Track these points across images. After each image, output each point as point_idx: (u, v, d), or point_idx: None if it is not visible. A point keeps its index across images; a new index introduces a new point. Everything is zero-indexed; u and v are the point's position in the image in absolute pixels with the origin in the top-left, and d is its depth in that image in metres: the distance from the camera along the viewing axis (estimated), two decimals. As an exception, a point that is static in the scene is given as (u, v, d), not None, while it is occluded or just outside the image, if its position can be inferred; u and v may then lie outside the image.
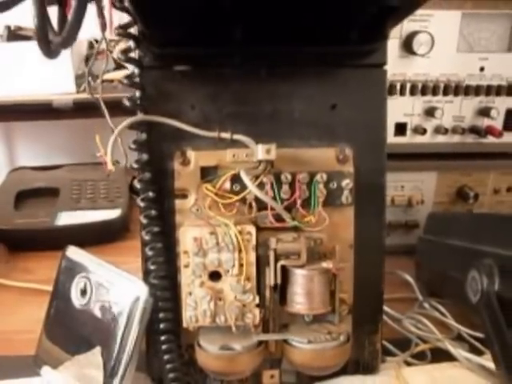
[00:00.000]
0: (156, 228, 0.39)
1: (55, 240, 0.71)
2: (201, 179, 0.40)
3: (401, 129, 0.65)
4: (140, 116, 0.38)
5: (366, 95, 0.41)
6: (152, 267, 0.39)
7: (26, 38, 1.17)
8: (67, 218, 0.73)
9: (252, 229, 0.36)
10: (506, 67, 0.65)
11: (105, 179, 0.84)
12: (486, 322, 0.37)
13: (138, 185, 0.39)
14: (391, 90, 0.63)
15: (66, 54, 1.07)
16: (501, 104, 0.66)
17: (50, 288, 0.51)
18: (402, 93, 0.63)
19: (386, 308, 0.57)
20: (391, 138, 0.65)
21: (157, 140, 0.40)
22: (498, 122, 0.67)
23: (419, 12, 0.60)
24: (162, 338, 0.38)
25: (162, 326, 0.38)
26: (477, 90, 0.65)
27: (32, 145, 1.65)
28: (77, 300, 0.41)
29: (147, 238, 0.39)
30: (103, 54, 0.97)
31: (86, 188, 0.82)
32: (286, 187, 0.40)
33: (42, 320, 0.44)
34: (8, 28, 1.19)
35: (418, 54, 0.60)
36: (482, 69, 0.64)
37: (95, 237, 0.73)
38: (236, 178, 0.39)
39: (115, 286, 0.39)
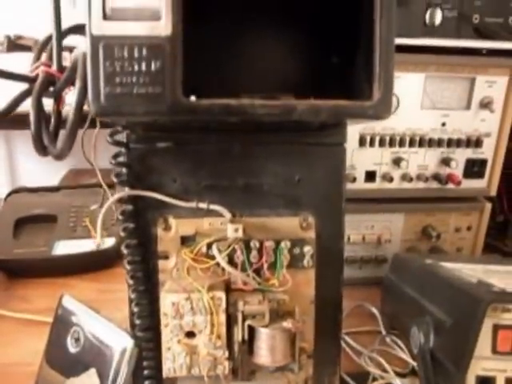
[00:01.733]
0: (141, 287, 0.45)
1: (53, 269, 0.77)
2: (181, 244, 0.46)
3: (370, 176, 0.71)
4: (127, 191, 0.44)
5: (327, 170, 0.47)
6: (137, 321, 0.45)
7: (26, 47, 1.22)
8: (64, 248, 0.78)
9: (222, 295, 0.42)
10: (464, 123, 0.71)
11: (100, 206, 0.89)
12: (421, 372, 0.43)
13: (124, 250, 0.45)
14: (362, 142, 0.69)
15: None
16: (460, 155, 0.72)
17: (47, 319, 0.57)
18: (372, 144, 0.69)
19: (349, 341, 0.63)
20: (362, 184, 0.71)
21: (142, 209, 0.45)
22: (458, 170, 0.73)
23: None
24: (146, 382, 0.44)
25: (145, 372, 0.45)
26: (439, 143, 0.71)
27: (32, 152, 1.68)
28: (71, 346, 0.47)
29: (133, 295, 0.45)
30: None
31: (82, 215, 0.87)
32: (254, 252, 0.46)
33: (39, 352, 0.49)
34: (8, 38, 1.23)
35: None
36: (443, 124, 0.71)
37: (90, 265, 0.79)
38: (211, 244, 0.45)
39: (105, 337, 0.45)
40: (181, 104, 0.31)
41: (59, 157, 0.32)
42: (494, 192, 0.76)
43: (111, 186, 0.47)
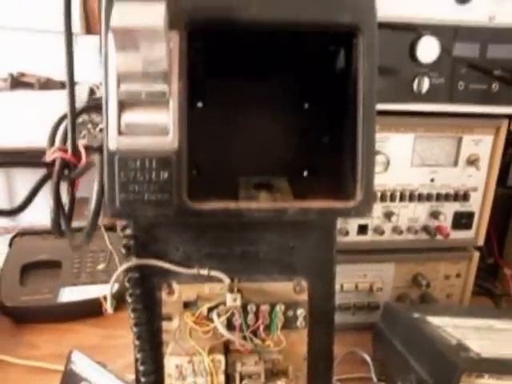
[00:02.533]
0: (147, 347, 0.49)
1: (58, 315, 0.81)
2: (183, 308, 0.50)
3: (363, 229, 0.75)
4: (134, 261, 0.48)
5: (319, 237, 0.51)
6: (143, 379, 0.48)
7: (29, 84, 1.26)
8: (69, 294, 0.82)
9: (222, 357, 0.46)
10: (452, 178, 0.75)
11: (104, 250, 0.92)
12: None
13: (131, 313, 0.48)
14: (353, 198, 0.73)
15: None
16: (449, 208, 0.76)
17: (54, 366, 0.60)
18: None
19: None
20: (354, 237, 0.75)
21: (147, 275, 0.49)
22: (447, 222, 0.77)
23: (377, 135, 0.70)
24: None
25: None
26: (428, 197, 0.75)
27: (31, 184, 1.72)
28: (80, 400, 0.51)
29: (139, 355, 0.48)
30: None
31: (86, 261, 0.91)
32: (251, 315, 0.49)
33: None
34: (11, 75, 1.28)
35: (376, 172, 0.70)
36: (432, 180, 0.75)
37: (94, 311, 0.82)
38: (212, 308, 0.49)
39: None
40: (186, 209, 0.35)
41: (77, 248, 0.37)
42: (481, 242, 0.80)
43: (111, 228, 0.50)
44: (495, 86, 0.69)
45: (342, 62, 0.40)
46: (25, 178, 1.68)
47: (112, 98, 0.33)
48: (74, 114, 0.43)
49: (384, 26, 0.62)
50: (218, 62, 0.44)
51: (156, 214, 0.36)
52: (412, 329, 0.58)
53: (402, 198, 0.74)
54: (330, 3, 0.35)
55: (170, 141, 0.34)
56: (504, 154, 0.79)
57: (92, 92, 1.13)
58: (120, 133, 0.33)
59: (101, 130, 1.08)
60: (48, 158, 0.43)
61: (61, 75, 1.24)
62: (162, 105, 0.33)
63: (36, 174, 1.41)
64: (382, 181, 0.73)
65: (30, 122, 1.16)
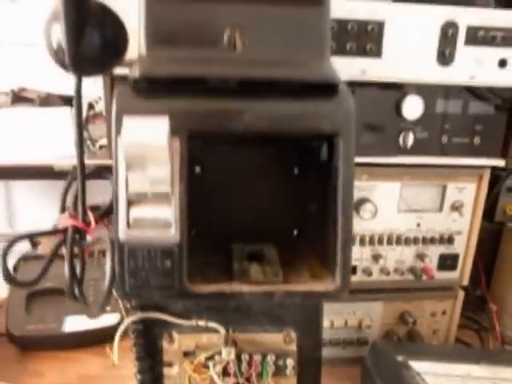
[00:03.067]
0: (149, 393, 0.53)
1: (63, 344, 0.85)
2: (183, 356, 0.54)
3: (352, 270, 0.79)
4: (139, 314, 0.52)
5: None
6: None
7: (29, 100, 1.30)
8: (73, 323, 0.86)
9: (217, 405, 0.50)
10: (437, 223, 0.80)
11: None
12: None
13: (135, 361, 0.53)
14: (343, 241, 0.78)
15: (66, 118, 1.20)
16: (434, 251, 0.81)
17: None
18: (353, 243, 0.78)
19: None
20: (343, 277, 0.79)
21: (150, 326, 0.54)
22: (432, 264, 0.82)
23: (365, 184, 0.75)
24: None
25: None
26: (414, 241, 0.80)
27: (30, 196, 1.78)
28: None
29: (141, 401, 0.53)
30: (101, 119, 1.11)
31: (89, 289, 0.95)
32: (244, 364, 0.54)
33: None
34: (12, 92, 1.32)
35: (365, 219, 0.75)
36: (418, 224, 0.79)
37: (97, 340, 0.87)
38: (209, 357, 0.53)
39: None
40: (187, 292, 0.40)
41: (93, 316, 0.41)
42: (466, 282, 0.84)
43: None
44: (477, 140, 0.74)
45: (325, 154, 0.45)
46: (23, 190, 1.73)
47: (122, 197, 0.37)
48: (84, 183, 0.48)
49: (372, 85, 0.67)
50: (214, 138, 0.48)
51: (160, 296, 0.40)
52: (394, 373, 0.62)
53: (389, 242, 0.79)
54: (313, 114, 0.39)
55: (172, 234, 0.39)
56: (492, 190, 0.84)
57: (91, 106, 1.13)
58: (129, 226, 0.38)
59: (100, 147, 1.14)
60: (60, 224, 0.47)
61: (60, 89, 1.29)
62: (166, 203, 0.38)
63: (32, 187, 1.45)
64: (371, 226, 0.77)
65: (31, 137, 1.18)
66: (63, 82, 1.25)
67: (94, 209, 0.51)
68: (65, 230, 0.47)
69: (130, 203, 0.38)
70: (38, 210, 1.77)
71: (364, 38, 0.65)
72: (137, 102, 0.38)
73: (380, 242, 0.79)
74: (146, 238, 0.39)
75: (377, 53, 0.66)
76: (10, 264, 1.08)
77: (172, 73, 0.37)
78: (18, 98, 1.28)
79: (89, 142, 1.19)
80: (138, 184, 0.36)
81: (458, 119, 0.73)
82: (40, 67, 1.31)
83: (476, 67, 0.70)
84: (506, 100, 0.73)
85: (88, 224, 0.48)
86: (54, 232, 0.46)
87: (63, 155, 1.18)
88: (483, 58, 0.69)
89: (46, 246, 1.28)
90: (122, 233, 0.38)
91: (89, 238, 0.47)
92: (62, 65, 0.43)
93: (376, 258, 0.79)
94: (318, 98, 0.39)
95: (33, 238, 0.71)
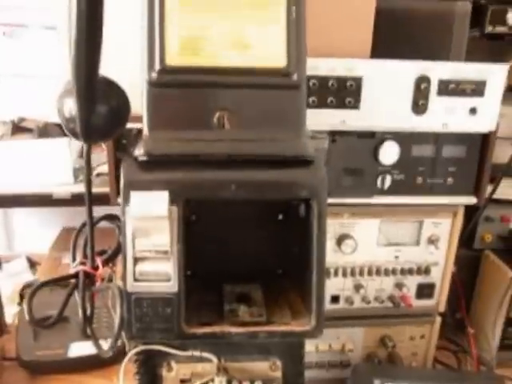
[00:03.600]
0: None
1: (69, 368, 0.92)
2: (180, 383, 0.61)
3: (335, 299, 0.86)
4: (142, 347, 0.59)
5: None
6: None
7: (28, 130, 1.34)
8: (78, 349, 0.93)
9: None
10: (415, 255, 0.87)
11: (106, 307, 1.03)
12: None
13: (136, 386, 0.60)
14: (327, 273, 0.85)
15: (64, 148, 1.27)
16: (412, 281, 0.88)
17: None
18: (336, 274, 0.85)
19: None
20: (328, 305, 0.86)
21: (151, 356, 0.61)
22: (410, 293, 0.89)
23: (346, 221, 0.82)
24: None
25: None
26: (393, 271, 0.87)
27: (27, 216, 1.86)
28: None
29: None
30: (98, 148, 1.18)
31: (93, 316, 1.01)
32: (235, 389, 0.61)
33: None
34: (12, 122, 1.39)
35: (346, 253, 0.82)
36: (396, 257, 0.86)
37: (99, 363, 0.94)
38: (204, 383, 0.60)
39: None
40: (184, 333, 0.47)
41: (105, 355, 0.48)
42: (442, 309, 0.91)
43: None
44: (450, 180, 0.81)
45: (303, 211, 0.52)
46: (21, 215, 1.80)
47: (129, 256, 0.45)
48: (93, 234, 0.54)
49: (352, 133, 0.74)
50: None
51: (162, 338, 0.47)
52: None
53: (369, 273, 0.86)
54: (292, 183, 0.46)
55: (171, 285, 0.46)
56: (470, 220, 0.91)
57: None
58: (135, 279, 0.45)
59: (97, 175, 1.22)
60: (72, 270, 0.54)
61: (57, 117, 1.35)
62: (166, 260, 0.45)
63: (31, 215, 1.54)
64: (352, 259, 0.84)
65: (30, 167, 1.26)
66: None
67: (101, 253, 0.58)
68: (76, 275, 0.54)
69: (135, 261, 0.45)
70: (36, 231, 1.86)
71: (343, 92, 0.72)
72: (141, 176, 0.45)
73: (361, 273, 0.86)
74: (149, 289, 0.46)
75: (355, 105, 0.73)
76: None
77: (170, 151, 0.44)
78: (18, 128, 1.36)
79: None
80: (143, 246, 0.43)
81: (433, 162, 0.80)
82: (38, 97, 1.39)
83: (448, 116, 0.77)
84: (476, 144, 0.81)
85: (96, 268, 0.54)
86: (68, 277, 0.53)
87: (61, 182, 1.25)
88: (454, 107, 0.76)
89: (43, 267, 1.36)
90: (130, 285, 0.45)
91: (98, 283, 0.54)
92: (73, 133, 0.50)
93: (357, 287, 0.86)
94: (295, 169, 0.47)
95: (54, 283, 0.78)
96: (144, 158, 0.44)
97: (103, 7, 0.42)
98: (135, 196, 0.42)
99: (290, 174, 0.46)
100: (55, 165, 1.30)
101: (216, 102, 0.46)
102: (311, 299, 0.50)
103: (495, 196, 0.95)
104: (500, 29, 0.98)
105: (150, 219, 0.42)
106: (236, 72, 0.45)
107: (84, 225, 0.57)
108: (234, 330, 0.50)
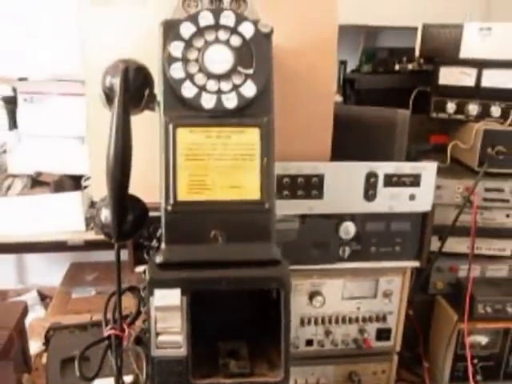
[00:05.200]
0: None
1: (93, 401, 1.12)
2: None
3: (309, 343, 1.07)
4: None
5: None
6: None
7: (45, 183, 1.54)
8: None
9: None
10: (373, 306, 1.08)
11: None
12: None
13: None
14: (302, 322, 1.06)
15: (77, 201, 1.48)
16: (372, 327, 1.09)
17: None
18: (309, 323, 1.06)
19: None
20: (303, 348, 1.07)
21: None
22: (371, 337, 1.10)
23: (316, 281, 1.04)
24: None
25: None
26: (356, 320, 1.08)
27: (40, 262, 2.06)
28: None
29: None
30: None
31: (108, 357, 1.21)
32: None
33: None
34: (31, 177, 1.59)
35: (317, 307, 1.04)
36: (358, 308, 1.08)
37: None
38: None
39: None
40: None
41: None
42: (398, 348, 1.12)
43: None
44: (398, 249, 1.03)
45: (275, 295, 0.73)
46: (35, 262, 2.00)
47: (152, 331, 0.66)
48: (120, 303, 0.75)
49: (318, 216, 0.96)
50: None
51: None
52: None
53: (336, 321, 1.07)
54: (265, 278, 0.67)
55: (182, 351, 0.67)
56: (425, 268, 1.11)
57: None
58: (157, 347, 0.66)
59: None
60: (105, 332, 0.75)
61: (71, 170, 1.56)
62: (178, 334, 0.66)
63: (43, 261, 1.78)
64: (322, 311, 1.05)
65: (46, 218, 1.46)
66: (73, 165, 1.56)
67: (125, 317, 0.79)
68: (108, 337, 0.75)
69: (157, 335, 0.66)
70: (46, 266, 2.05)
71: (309, 186, 0.94)
72: (160, 275, 0.66)
73: (330, 321, 1.07)
74: (166, 354, 0.67)
75: (319, 196, 0.95)
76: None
77: (180, 259, 0.66)
78: (36, 182, 1.56)
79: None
80: (162, 325, 0.64)
81: (383, 235, 1.02)
82: (53, 154, 1.61)
83: (392, 201, 0.98)
84: (418, 219, 1.02)
85: (123, 331, 0.75)
86: (102, 340, 0.74)
87: (75, 231, 1.46)
88: (397, 194, 0.98)
89: (54, 303, 1.57)
90: (153, 351, 0.66)
91: (125, 343, 0.75)
92: (107, 234, 0.71)
93: (327, 333, 1.07)
94: (268, 268, 0.68)
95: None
96: (162, 263, 0.66)
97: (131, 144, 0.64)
98: (157, 292, 0.63)
99: (264, 272, 0.68)
100: (69, 215, 1.51)
101: (212, 224, 0.67)
102: (280, 358, 0.71)
103: (444, 250, 1.17)
104: (442, 115, 1.21)
105: (168, 308, 0.63)
106: (226, 203, 0.67)
107: (113, 294, 0.78)
108: (226, 381, 0.71)
